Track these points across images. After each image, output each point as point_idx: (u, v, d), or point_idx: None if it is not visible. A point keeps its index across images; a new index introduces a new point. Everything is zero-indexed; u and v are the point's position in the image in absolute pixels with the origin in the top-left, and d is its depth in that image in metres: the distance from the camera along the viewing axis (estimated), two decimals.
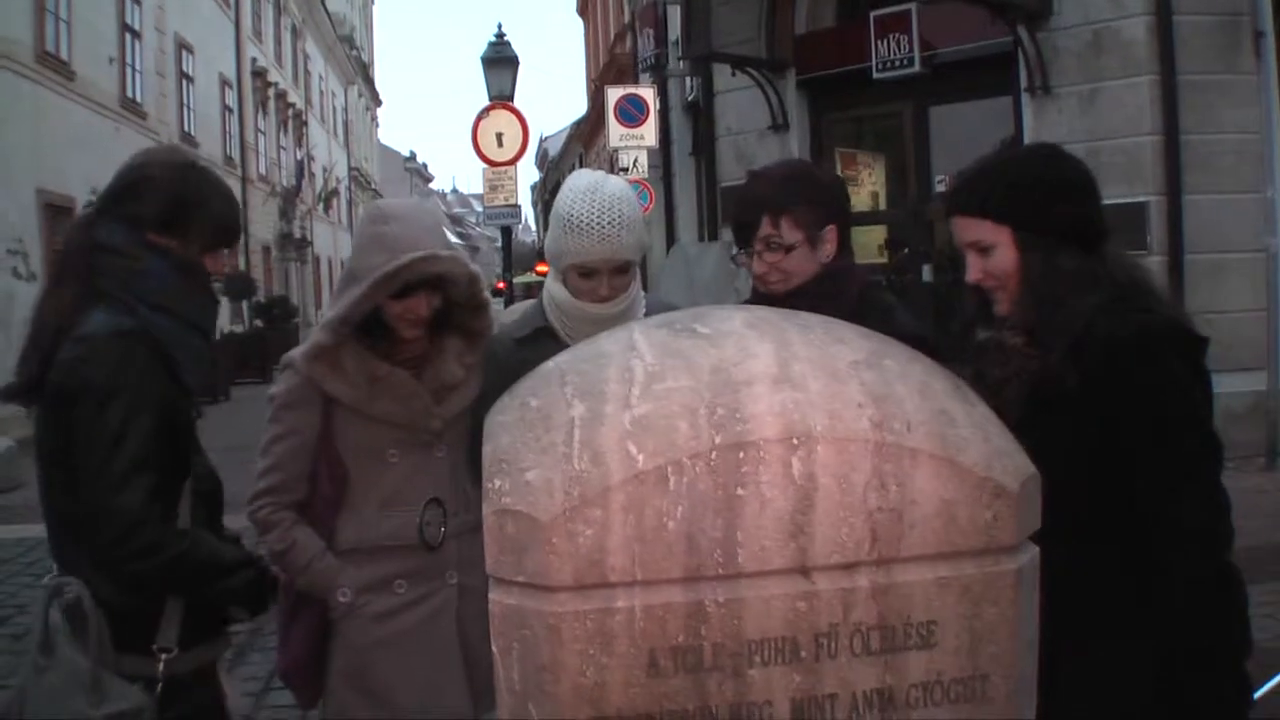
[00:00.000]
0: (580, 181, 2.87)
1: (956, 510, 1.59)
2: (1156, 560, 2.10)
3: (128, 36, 24.14)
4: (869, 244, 12.23)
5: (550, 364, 1.83)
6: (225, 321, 27.97)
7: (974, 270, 2.34)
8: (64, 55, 20.26)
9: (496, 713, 1.66)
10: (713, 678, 1.55)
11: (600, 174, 2.94)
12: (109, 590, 2.42)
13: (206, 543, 2.56)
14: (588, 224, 2.77)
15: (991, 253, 2.30)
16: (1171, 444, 2.11)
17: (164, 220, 2.56)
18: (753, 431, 1.54)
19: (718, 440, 1.53)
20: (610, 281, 2.85)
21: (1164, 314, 2.22)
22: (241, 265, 30.89)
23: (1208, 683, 2.09)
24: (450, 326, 2.93)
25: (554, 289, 2.94)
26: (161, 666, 2.48)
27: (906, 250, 12.06)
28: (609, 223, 2.77)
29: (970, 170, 2.40)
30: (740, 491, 1.52)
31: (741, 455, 1.53)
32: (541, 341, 2.82)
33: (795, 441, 1.54)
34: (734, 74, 12.62)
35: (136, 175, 2.59)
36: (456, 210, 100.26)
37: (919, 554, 1.58)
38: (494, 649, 1.60)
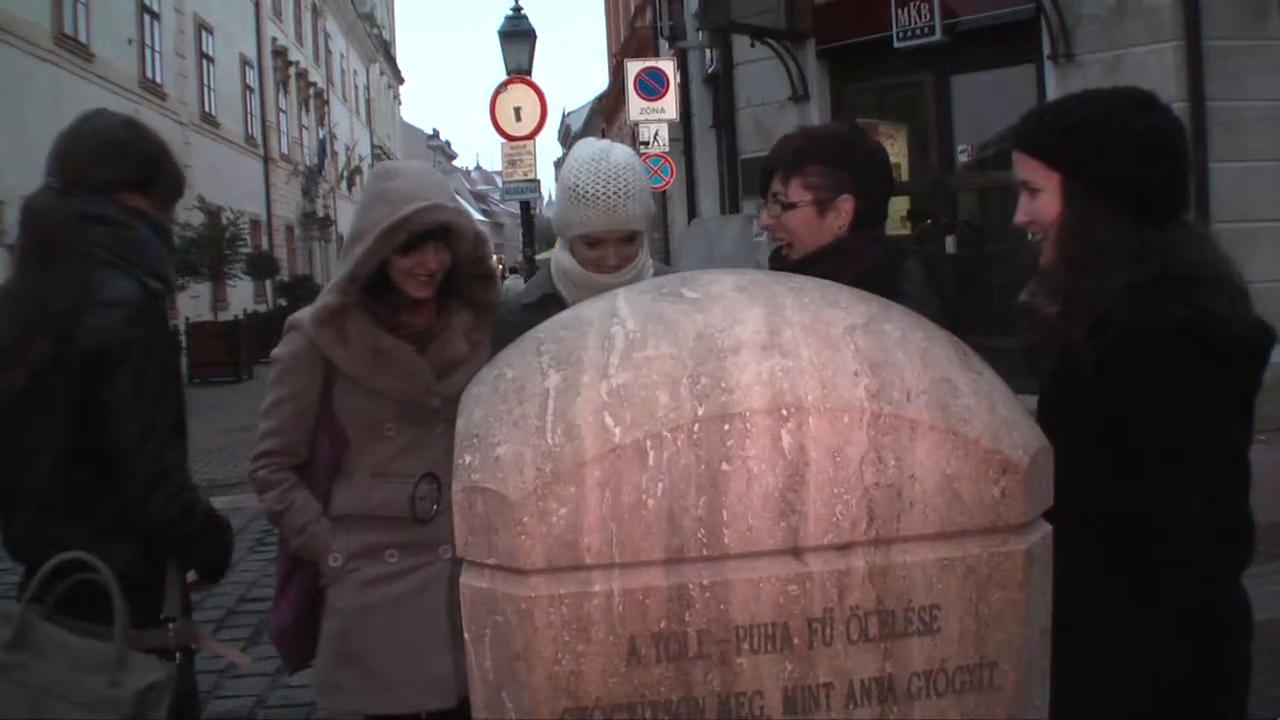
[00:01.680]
0: (586, 151, 2.86)
1: (960, 486, 1.49)
2: (1156, 581, 1.88)
3: (146, 17, 24.25)
4: (891, 215, 12.00)
5: (531, 332, 1.75)
6: (249, 300, 28.04)
7: (1021, 211, 2.14)
8: (82, 37, 20.36)
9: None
10: (698, 667, 1.47)
11: (606, 143, 2.93)
12: (120, 562, 2.40)
13: None
14: (593, 194, 2.76)
15: (1039, 196, 2.08)
16: (1178, 454, 1.86)
17: (138, 181, 2.60)
18: (738, 402, 1.44)
19: (700, 411, 1.43)
20: (617, 251, 2.85)
21: (1206, 307, 1.88)
22: (265, 244, 31.00)
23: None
24: (459, 299, 2.91)
25: (561, 257, 2.95)
26: (171, 636, 2.51)
27: (929, 221, 11.91)
28: (614, 193, 2.76)
29: (1048, 103, 2.19)
30: (725, 466, 1.43)
31: (726, 428, 1.43)
32: (548, 308, 2.77)
33: (785, 412, 1.44)
34: (753, 45, 12.50)
35: (99, 140, 2.59)
36: (480, 187, 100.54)
37: (920, 533, 1.49)
38: (466, 636, 1.51)
